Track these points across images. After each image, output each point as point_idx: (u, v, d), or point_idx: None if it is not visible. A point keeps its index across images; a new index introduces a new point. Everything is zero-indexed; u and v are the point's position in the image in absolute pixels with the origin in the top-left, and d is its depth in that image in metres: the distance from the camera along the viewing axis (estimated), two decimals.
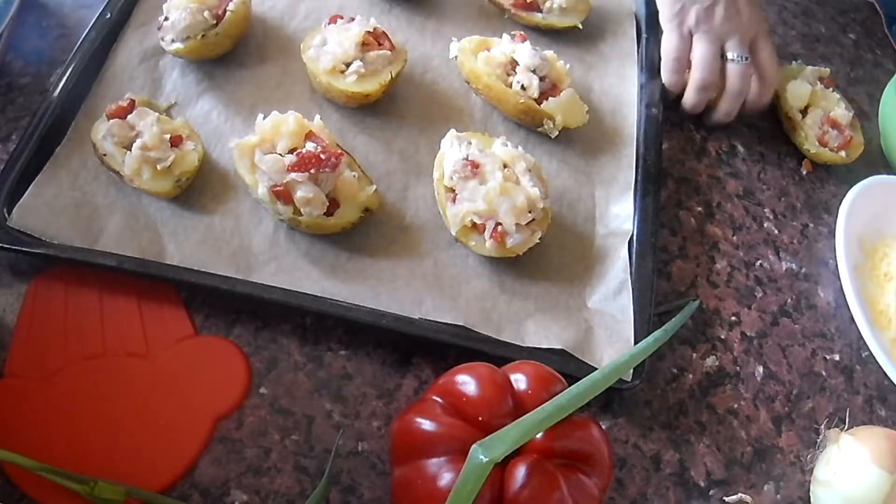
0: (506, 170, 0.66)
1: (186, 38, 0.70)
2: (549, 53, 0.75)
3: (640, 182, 0.72)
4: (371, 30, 0.72)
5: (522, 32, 0.77)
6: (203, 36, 0.70)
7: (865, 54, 0.96)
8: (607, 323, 0.65)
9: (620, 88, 0.80)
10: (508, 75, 0.74)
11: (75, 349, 0.61)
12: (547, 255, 0.68)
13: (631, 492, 0.61)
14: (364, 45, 0.71)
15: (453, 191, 0.66)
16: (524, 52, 0.73)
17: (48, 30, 0.78)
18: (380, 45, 0.72)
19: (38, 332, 0.61)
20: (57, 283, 0.63)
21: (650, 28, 0.82)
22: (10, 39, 0.75)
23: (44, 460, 0.54)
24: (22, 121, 0.71)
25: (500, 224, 0.64)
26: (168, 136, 0.66)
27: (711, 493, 0.62)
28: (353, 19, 0.74)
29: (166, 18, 0.71)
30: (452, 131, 0.69)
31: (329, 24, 0.74)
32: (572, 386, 0.52)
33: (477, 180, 0.65)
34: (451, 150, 0.67)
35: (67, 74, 0.70)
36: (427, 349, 0.64)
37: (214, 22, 0.71)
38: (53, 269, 0.64)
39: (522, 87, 0.73)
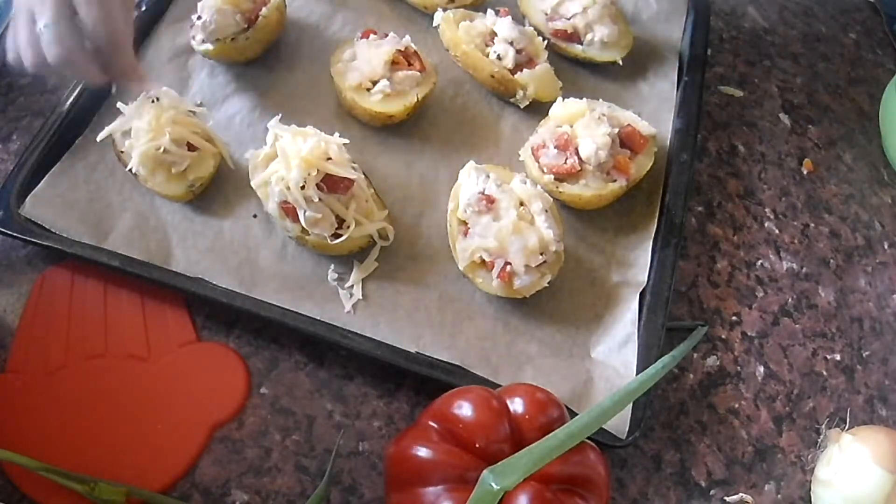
0: (521, 208, 0.64)
1: (216, 40, 0.70)
2: (529, 29, 0.76)
3: (662, 232, 0.70)
4: (402, 48, 0.71)
5: (506, 8, 0.77)
6: (233, 39, 0.70)
7: (866, 54, 0.94)
8: (608, 376, 0.63)
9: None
10: (487, 45, 0.75)
11: (77, 348, 0.61)
12: (556, 299, 0.66)
13: (631, 492, 0.61)
14: (394, 64, 0.70)
15: (466, 224, 0.64)
16: (504, 24, 0.74)
17: None
18: (410, 64, 0.71)
19: (42, 328, 0.62)
20: (62, 279, 0.64)
21: (692, 71, 0.79)
22: None
23: (44, 460, 0.54)
24: (23, 121, 0.71)
25: (510, 264, 0.62)
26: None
27: (712, 492, 0.62)
28: (386, 35, 0.72)
29: (199, 17, 0.71)
30: (471, 162, 0.67)
31: (361, 37, 0.73)
32: (582, 413, 0.52)
33: (490, 216, 0.63)
34: (468, 181, 0.66)
35: None
36: None
37: (246, 26, 0.70)
38: (59, 266, 0.64)
39: (498, 57, 0.73)
